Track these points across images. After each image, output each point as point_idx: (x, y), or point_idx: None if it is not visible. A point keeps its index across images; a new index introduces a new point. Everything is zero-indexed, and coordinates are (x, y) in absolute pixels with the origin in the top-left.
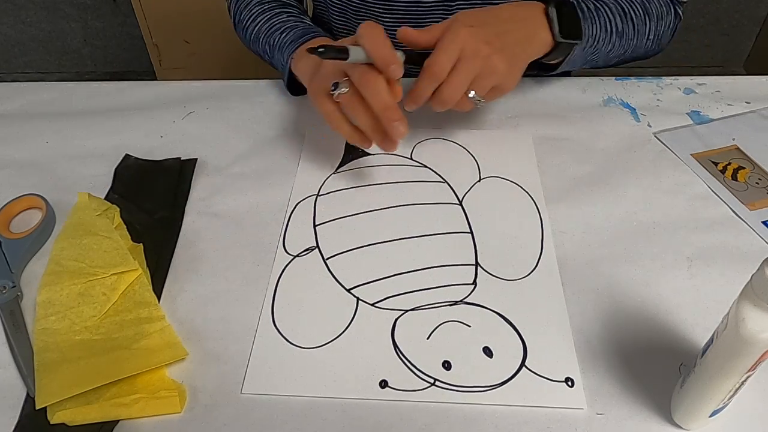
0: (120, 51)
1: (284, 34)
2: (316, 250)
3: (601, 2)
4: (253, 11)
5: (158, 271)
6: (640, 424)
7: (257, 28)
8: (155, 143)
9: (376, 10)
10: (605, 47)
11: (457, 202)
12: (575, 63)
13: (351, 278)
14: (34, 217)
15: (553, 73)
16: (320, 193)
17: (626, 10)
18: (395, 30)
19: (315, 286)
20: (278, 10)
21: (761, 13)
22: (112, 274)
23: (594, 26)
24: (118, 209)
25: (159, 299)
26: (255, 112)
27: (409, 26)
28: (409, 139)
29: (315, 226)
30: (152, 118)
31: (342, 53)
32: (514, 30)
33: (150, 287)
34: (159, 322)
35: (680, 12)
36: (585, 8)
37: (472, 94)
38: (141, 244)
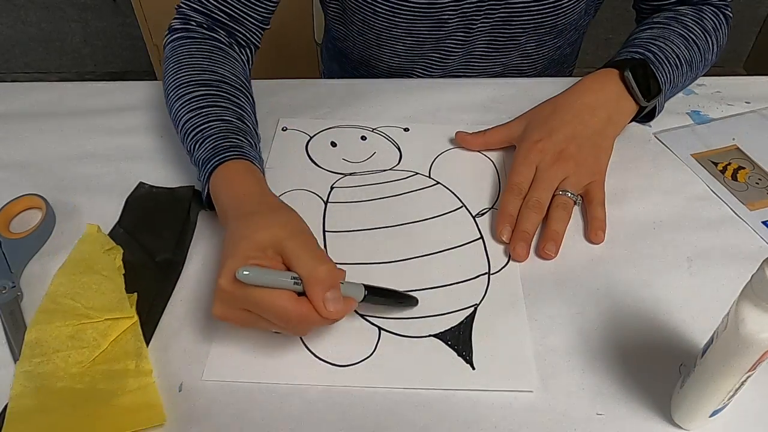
0: (120, 51)
1: (201, 145)
2: None
3: (661, 39)
4: (179, 80)
5: (147, 325)
6: (640, 424)
7: (178, 112)
8: (155, 143)
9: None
10: (680, 79)
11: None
12: (660, 106)
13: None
14: (34, 217)
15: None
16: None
17: (687, 36)
18: (409, 29)
19: None
20: (204, 94)
21: (761, 13)
22: (105, 319)
23: (667, 69)
24: (121, 251)
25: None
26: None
27: (424, 25)
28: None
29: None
30: (152, 118)
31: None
32: (585, 123)
33: (142, 338)
34: (144, 378)
35: (729, 13)
36: (653, 56)
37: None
38: (135, 294)
